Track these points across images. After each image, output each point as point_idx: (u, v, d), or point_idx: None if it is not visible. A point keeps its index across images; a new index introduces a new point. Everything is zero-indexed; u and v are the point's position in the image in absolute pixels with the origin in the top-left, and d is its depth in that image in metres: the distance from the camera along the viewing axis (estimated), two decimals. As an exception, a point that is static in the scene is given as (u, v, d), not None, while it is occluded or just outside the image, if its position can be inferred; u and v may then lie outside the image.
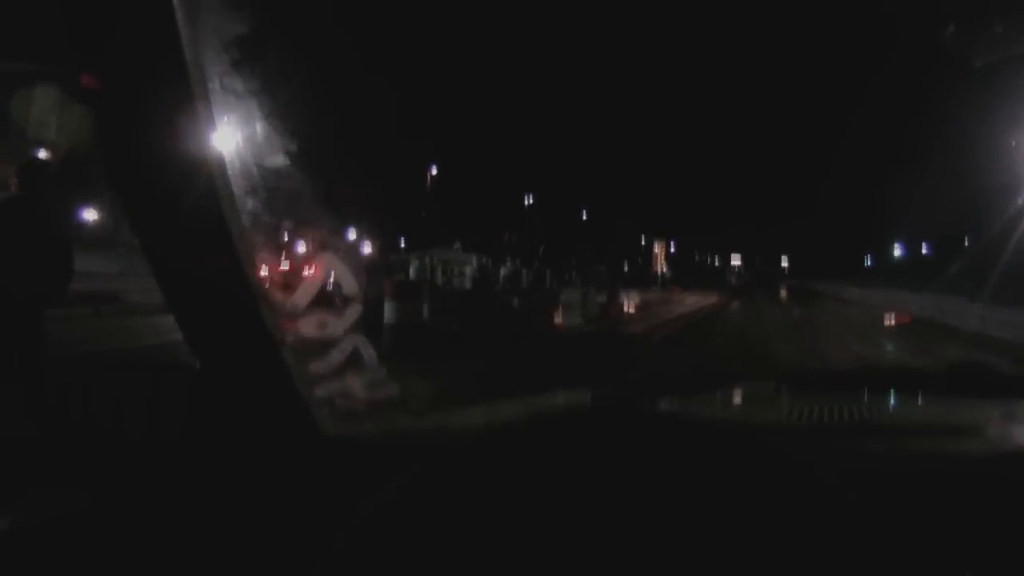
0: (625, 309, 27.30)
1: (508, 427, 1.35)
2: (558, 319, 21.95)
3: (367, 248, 27.34)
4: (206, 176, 1.61)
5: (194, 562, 1.69)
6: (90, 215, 26.02)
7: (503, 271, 24.70)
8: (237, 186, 1.71)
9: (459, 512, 1.25)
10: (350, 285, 2.02)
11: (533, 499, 1.26)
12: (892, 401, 2.41)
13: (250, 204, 1.76)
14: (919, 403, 2.39)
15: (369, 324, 2.10)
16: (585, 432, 1.35)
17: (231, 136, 1.74)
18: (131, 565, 1.65)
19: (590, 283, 28.68)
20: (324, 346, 1.94)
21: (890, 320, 21.23)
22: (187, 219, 1.61)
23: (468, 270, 26.65)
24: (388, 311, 15.33)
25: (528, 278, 24.25)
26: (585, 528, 1.24)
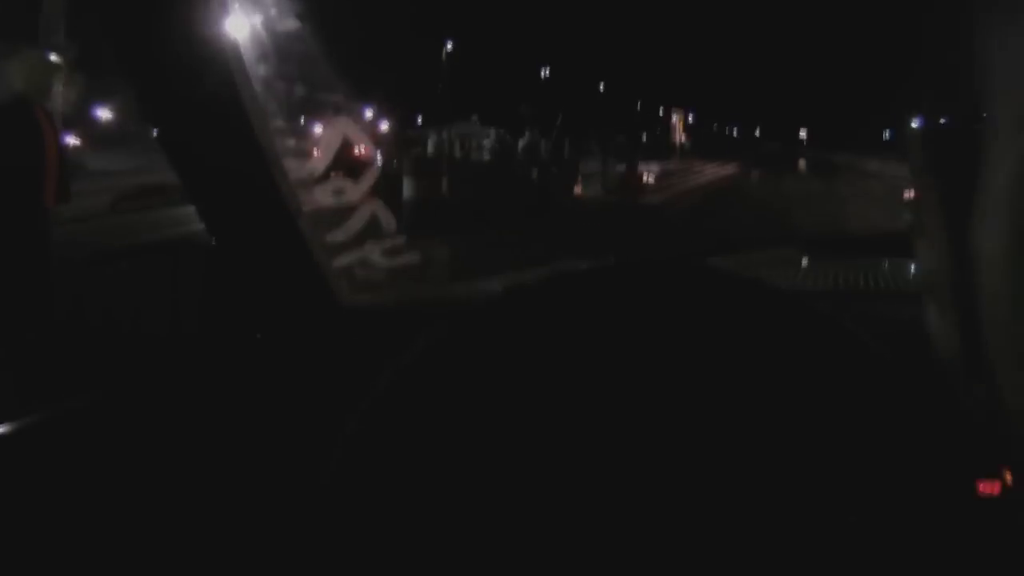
0: (645, 179, 27.17)
1: (531, 285, 1.33)
2: (578, 190, 21.90)
3: (384, 124, 27.18)
4: (217, 43, 1.58)
5: (210, 443, 1.69)
6: (104, 113, 25.88)
7: (521, 143, 24.51)
8: (249, 53, 1.67)
9: (481, 378, 1.23)
10: (366, 149, 1.99)
11: (562, 357, 1.24)
12: (915, 267, 2.39)
13: (263, 70, 1.72)
14: None
15: (388, 200, 2.07)
16: (615, 285, 1.33)
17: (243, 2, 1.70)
18: (143, 451, 1.65)
19: (610, 153, 28.49)
20: (341, 214, 1.91)
21: (909, 192, 21.11)
22: (198, 86, 1.58)
23: (486, 143, 26.47)
24: (407, 187, 15.31)
25: (547, 149, 24.08)
26: (615, 388, 1.22)
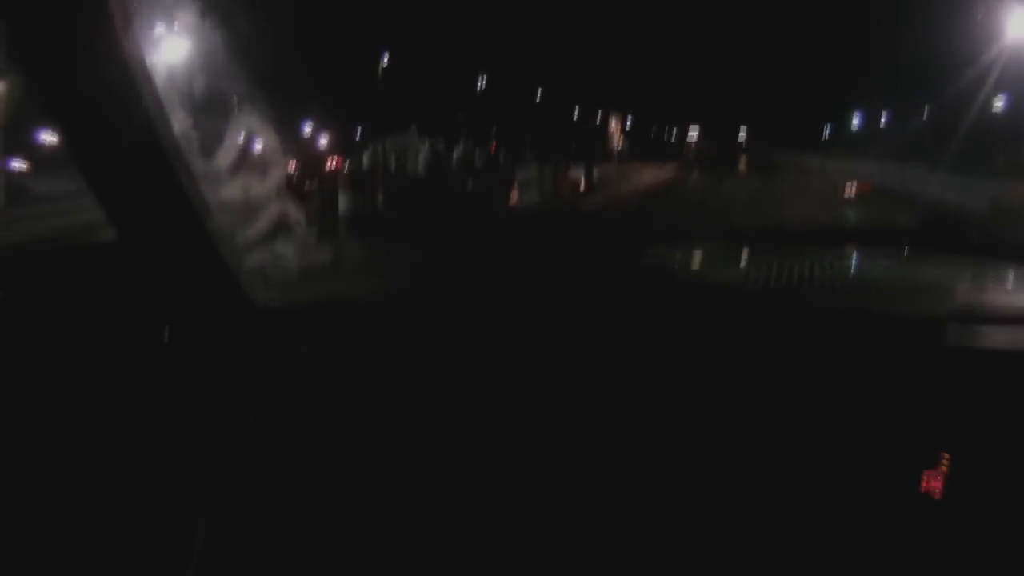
0: (582, 185, 27.20)
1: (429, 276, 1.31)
2: (514, 198, 21.85)
3: (322, 141, 27.11)
4: (114, 38, 1.56)
5: (124, 438, 1.67)
6: (49, 136, 25.46)
7: (456, 153, 24.46)
8: (149, 50, 1.65)
9: (376, 369, 1.21)
10: (271, 146, 1.97)
11: (458, 346, 1.22)
12: (856, 259, 2.35)
13: (163, 67, 1.70)
14: (884, 261, 2.31)
15: (325, 217, 2.06)
16: (530, 271, 1.31)
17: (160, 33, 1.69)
18: (60, 449, 1.63)
19: (546, 160, 28.49)
20: (251, 212, 1.89)
21: (851, 188, 21.19)
22: (95, 82, 1.56)
23: (421, 155, 26.43)
24: (342, 203, 15.21)
25: (482, 158, 24.03)
26: (529, 381, 1.20)
